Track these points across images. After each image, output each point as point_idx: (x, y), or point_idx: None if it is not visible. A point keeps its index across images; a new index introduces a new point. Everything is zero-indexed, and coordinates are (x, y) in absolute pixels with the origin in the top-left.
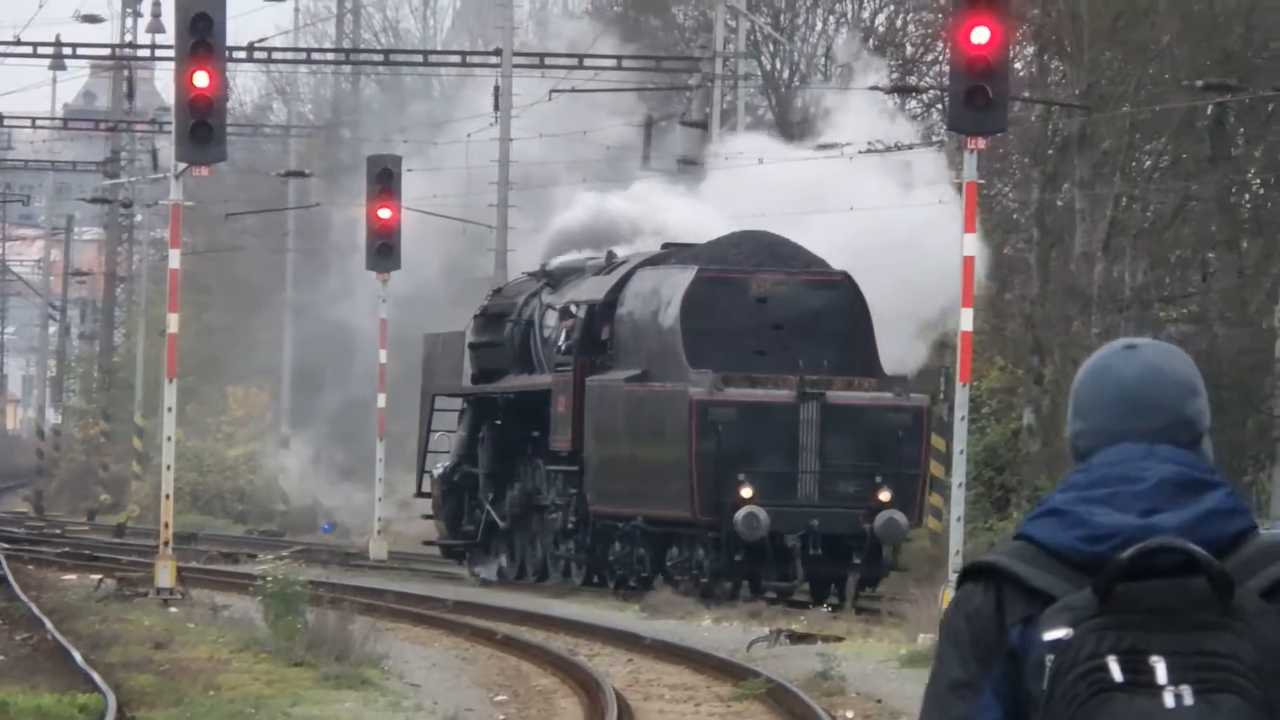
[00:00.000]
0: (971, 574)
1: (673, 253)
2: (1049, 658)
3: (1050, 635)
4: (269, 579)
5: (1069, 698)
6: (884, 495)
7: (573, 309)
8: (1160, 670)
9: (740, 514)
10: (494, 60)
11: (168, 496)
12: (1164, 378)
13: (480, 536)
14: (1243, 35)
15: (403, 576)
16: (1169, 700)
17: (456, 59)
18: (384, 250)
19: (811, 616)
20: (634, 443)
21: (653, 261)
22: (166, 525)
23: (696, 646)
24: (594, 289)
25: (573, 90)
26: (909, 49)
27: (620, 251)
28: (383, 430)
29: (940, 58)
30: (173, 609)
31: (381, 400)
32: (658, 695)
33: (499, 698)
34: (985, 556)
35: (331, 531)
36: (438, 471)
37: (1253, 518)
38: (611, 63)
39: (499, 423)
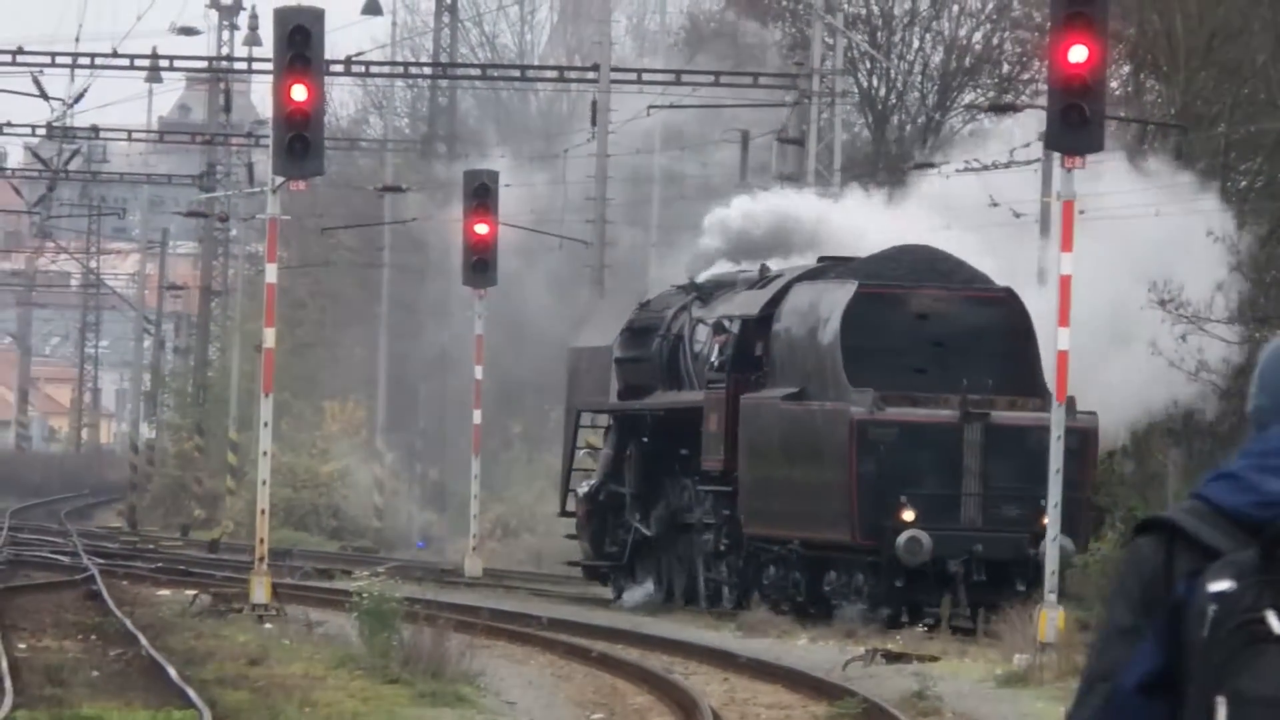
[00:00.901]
0: (1146, 527)
1: (830, 267)
2: (1211, 607)
3: (1215, 587)
4: (363, 595)
5: (1226, 646)
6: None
7: (725, 324)
8: None
9: (902, 538)
10: (591, 75)
11: (263, 512)
12: None
13: (626, 558)
14: None
15: (497, 594)
16: None
17: (554, 73)
18: (480, 266)
19: (907, 636)
20: (790, 463)
21: (809, 276)
22: (262, 541)
23: (792, 665)
24: (748, 304)
25: (671, 106)
26: (1006, 67)
27: (773, 265)
28: (478, 447)
29: (1038, 76)
30: (267, 625)
31: (477, 417)
32: (753, 714)
33: (595, 716)
34: (1160, 513)
35: (425, 548)
36: (583, 490)
37: None
38: (708, 79)
39: (646, 440)
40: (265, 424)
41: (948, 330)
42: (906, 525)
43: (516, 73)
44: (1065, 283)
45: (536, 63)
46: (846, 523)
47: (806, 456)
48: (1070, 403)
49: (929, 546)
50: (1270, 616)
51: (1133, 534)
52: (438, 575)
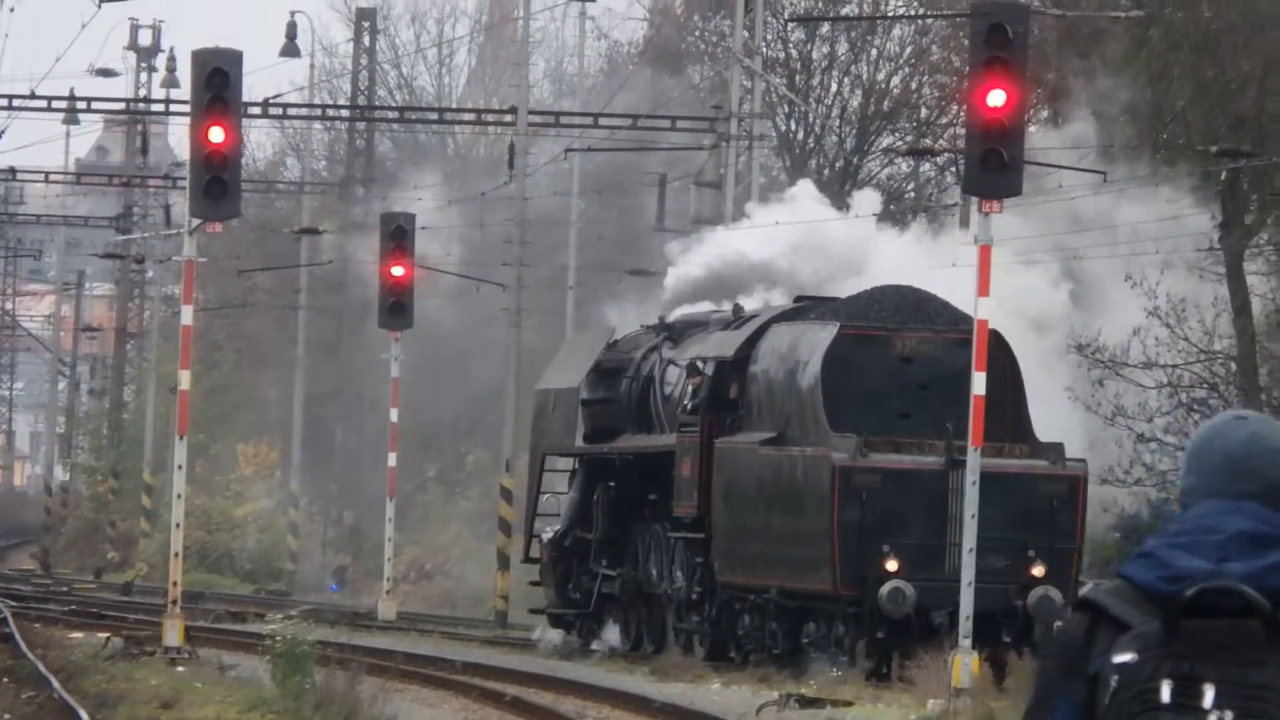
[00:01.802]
0: (1077, 605)
1: (809, 307)
2: (1114, 677)
3: (1119, 659)
4: (277, 638)
5: (1123, 714)
6: (1037, 570)
7: (699, 365)
8: (1209, 696)
9: (885, 588)
10: (509, 118)
11: (176, 554)
12: (1265, 448)
13: (593, 605)
14: (1256, 100)
15: (411, 637)
16: None
17: (471, 116)
18: (397, 308)
19: (821, 680)
20: (768, 510)
21: (787, 316)
22: (175, 584)
23: (707, 710)
24: (722, 345)
25: (588, 149)
26: (924, 111)
27: (747, 304)
28: (393, 490)
29: (956, 120)
30: (180, 668)
31: (392, 459)
32: None
33: None
34: (1088, 590)
35: (340, 591)
36: (547, 535)
37: None
38: (626, 122)
39: (614, 485)
40: (180, 466)
41: (932, 374)
42: (890, 575)
43: (434, 115)
44: (982, 326)
45: (454, 105)
46: (827, 572)
47: (786, 503)
48: (1058, 450)
49: (913, 597)
50: (1164, 686)
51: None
52: (351, 618)
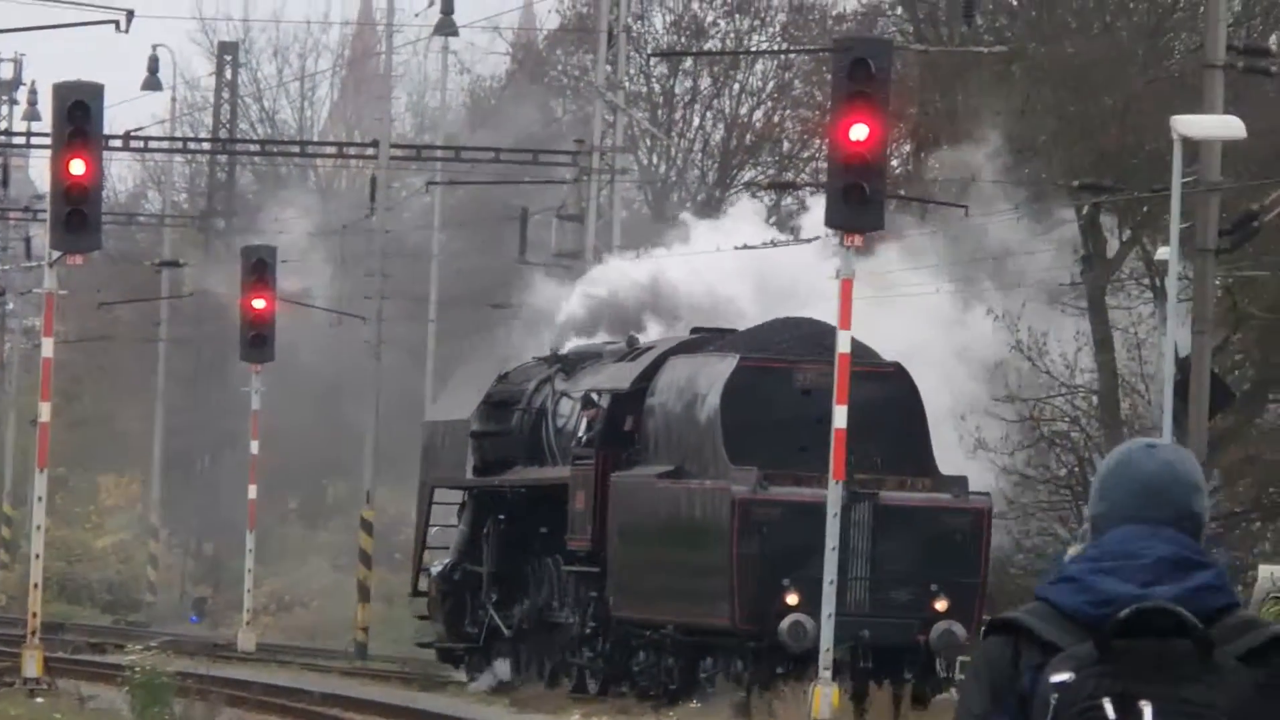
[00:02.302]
0: (996, 627)
1: (707, 339)
2: (1053, 696)
3: (1056, 678)
4: (136, 669)
5: None
6: (940, 604)
7: (594, 398)
8: (1147, 712)
9: (785, 623)
10: (371, 152)
11: (36, 586)
12: (1177, 476)
13: (482, 640)
14: (1119, 136)
15: (271, 668)
16: None
17: (333, 150)
18: (258, 341)
19: (681, 712)
20: (665, 544)
21: (685, 348)
22: (34, 615)
23: None
24: (618, 377)
25: (450, 183)
26: (787, 145)
27: (642, 336)
28: (254, 522)
29: (818, 154)
30: (39, 699)
31: (253, 491)
32: None
33: None
34: (1007, 613)
35: (200, 622)
36: (436, 569)
37: (1236, 596)
38: (489, 155)
39: (504, 518)
40: (40, 498)
41: (832, 406)
42: (790, 609)
43: (296, 149)
44: (844, 361)
45: (316, 139)
46: (727, 606)
47: (684, 537)
48: (962, 484)
49: (814, 632)
50: (1106, 703)
51: (984, 633)
52: (211, 649)
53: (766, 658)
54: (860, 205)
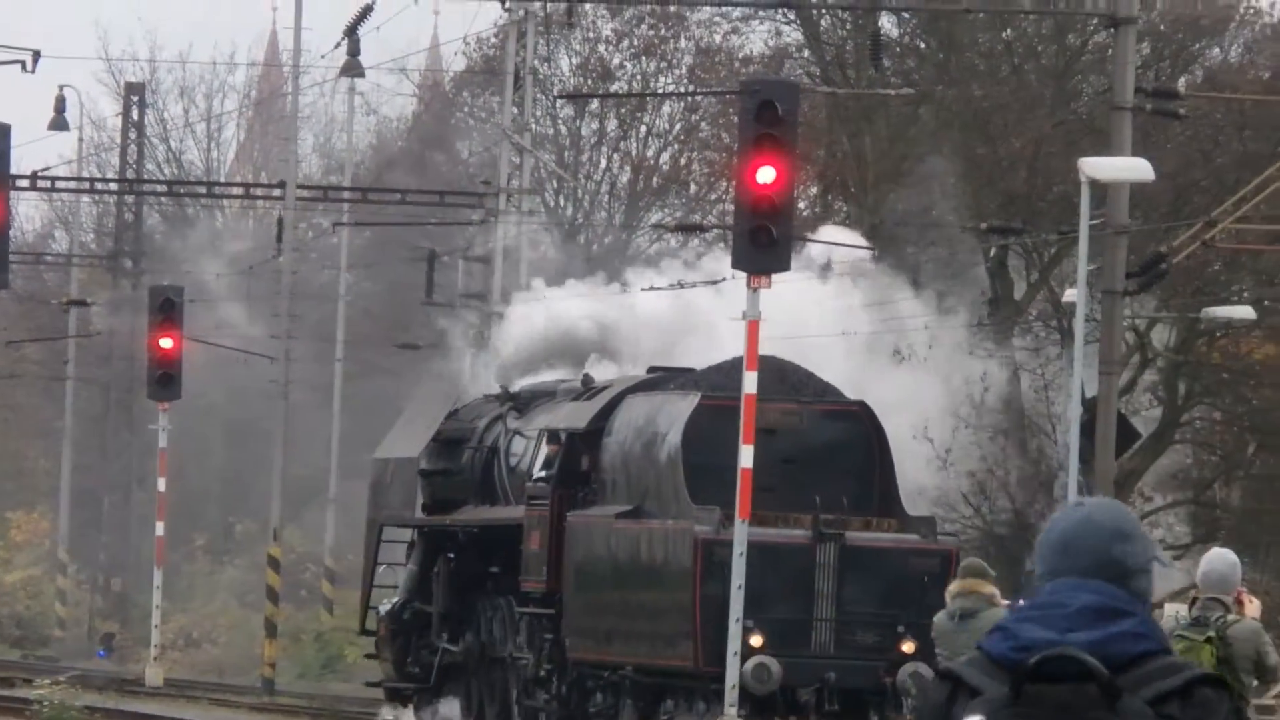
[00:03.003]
0: (939, 674)
1: (666, 378)
2: None
3: None
4: (44, 703)
5: None
6: (907, 646)
7: (549, 437)
8: None
9: (749, 665)
10: (277, 193)
11: None
12: (1093, 527)
13: (433, 680)
14: (1026, 179)
15: (179, 703)
16: None
17: (240, 190)
18: (165, 380)
19: None
20: (624, 585)
21: (644, 387)
22: None
23: None
24: (574, 416)
25: (357, 224)
26: (693, 187)
27: (597, 374)
28: (161, 558)
29: (725, 196)
30: None
31: (160, 529)
32: None
33: None
34: (950, 663)
35: (107, 657)
36: (385, 608)
37: (1163, 642)
38: (395, 197)
39: (455, 557)
40: None
41: (798, 447)
42: (754, 651)
43: (203, 189)
44: (750, 401)
45: (223, 179)
46: (688, 648)
47: (644, 577)
48: (930, 524)
49: (778, 674)
50: None
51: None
52: (119, 684)
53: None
54: (767, 247)
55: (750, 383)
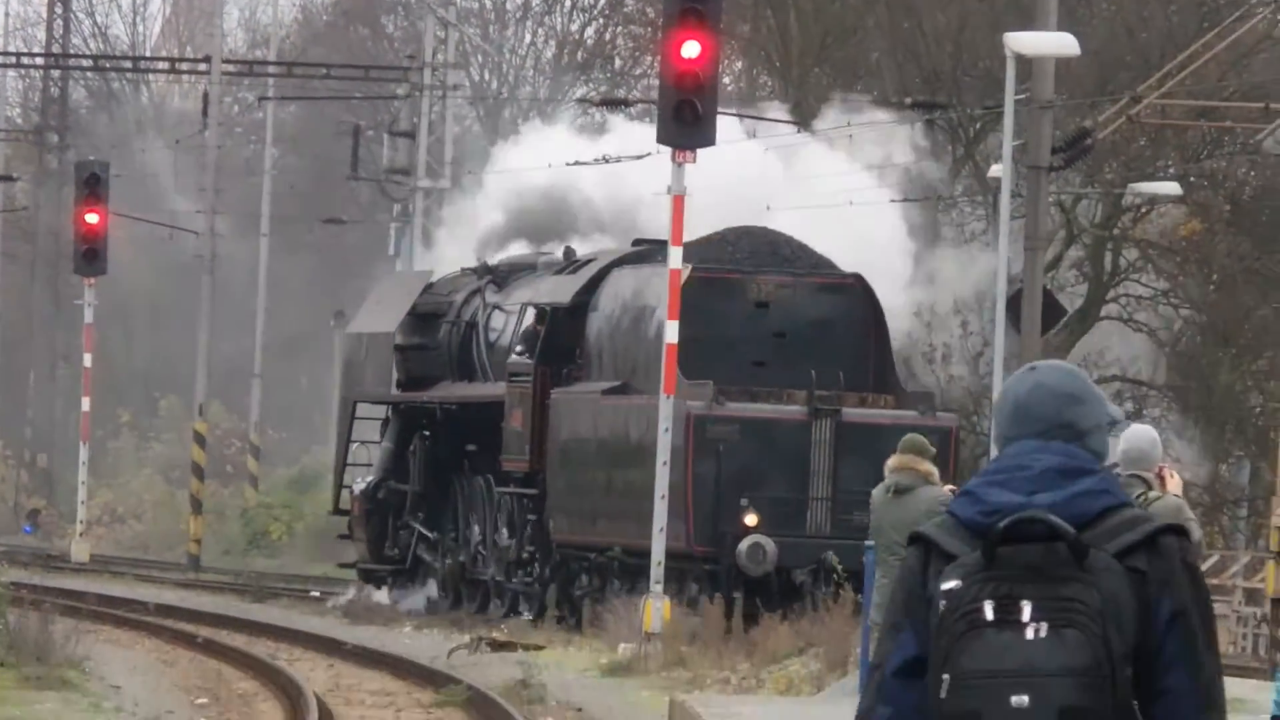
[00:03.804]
0: (911, 540)
1: (654, 250)
2: (942, 602)
3: (945, 585)
4: None
5: (950, 633)
6: None
7: (531, 311)
8: (1026, 610)
9: (744, 545)
10: (203, 68)
11: None
12: (1046, 392)
13: (409, 562)
14: (952, 54)
15: (104, 579)
16: (1029, 633)
17: (165, 65)
18: (90, 255)
19: (513, 625)
20: (612, 463)
21: (630, 260)
22: None
23: (398, 653)
24: (557, 290)
25: (282, 98)
26: (618, 62)
27: (579, 248)
28: (87, 434)
29: (650, 71)
30: None
31: (86, 404)
32: (359, 701)
33: (200, 701)
34: (922, 527)
35: (33, 533)
36: (359, 487)
37: (1123, 496)
38: (320, 71)
39: (429, 435)
40: None
41: (790, 320)
42: (749, 531)
43: (129, 64)
44: (675, 276)
45: (149, 54)
46: (679, 528)
47: (632, 456)
48: (929, 399)
49: (773, 555)
50: (986, 606)
51: (907, 545)
52: (44, 560)
53: (724, 581)
54: (692, 123)
55: (675, 258)
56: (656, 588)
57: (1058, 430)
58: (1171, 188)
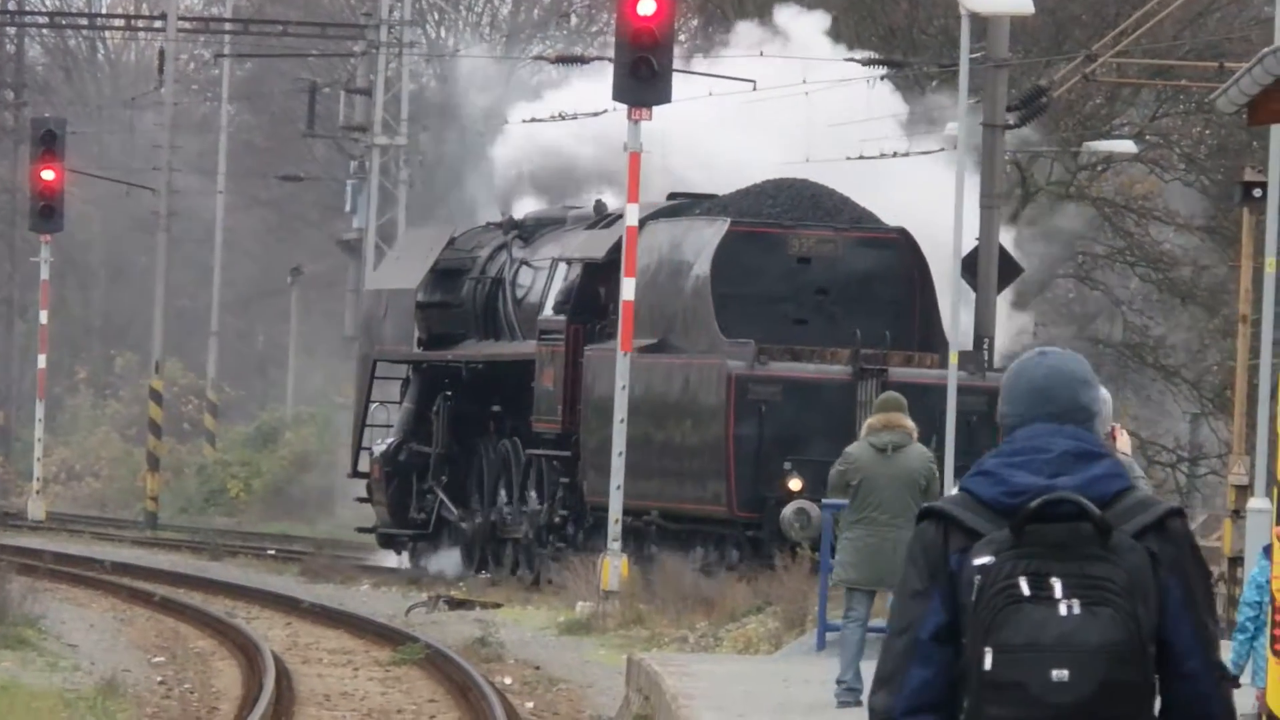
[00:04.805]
0: (928, 515)
1: (691, 203)
2: (976, 577)
3: (978, 561)
4: None
5: (990, 606)
6: (954, 488)
7: (564, 266)
8: (1057, 588)
9: (788, 510)
10: (159, 24)
11: None
12: (1063, 376)
13: (432, 526)
14: (907, 12)
15: (61, 537)
16: (1062, 610)
17: (121, 22)
18: (46, 212)
19: (471, 583)
20: (649, 424)
21: (666, 213)
22: None
23: (356, 611)
24: (590, 245)
25: (239, 55)
26: (575, 20)
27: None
28: (43, 391)
29: (606, 29)
30: None
31: (42, 361)
32: (316, 659)
33: (157, 659)
34: (935, 503)
35: None
36: (379, 449)
37: (1131, 480)
38: (277, 29)
39: (452, 395)
40: None
41: (833, 276)
42: (793, 495)
43: (85, 21)
44: (631, 234)
45: (105, 11)
46: (721, 492)
47: (670, 417)
48: (977, 358)
49: (819, 520)
50: (1022, 581)
51: (918, 519)
52: (1, 518)
53: (766, 547)
54: (648, 80)
55: (632, 215)
56: (614, 545)
57: (1074, 413)
58: (1127, 145)
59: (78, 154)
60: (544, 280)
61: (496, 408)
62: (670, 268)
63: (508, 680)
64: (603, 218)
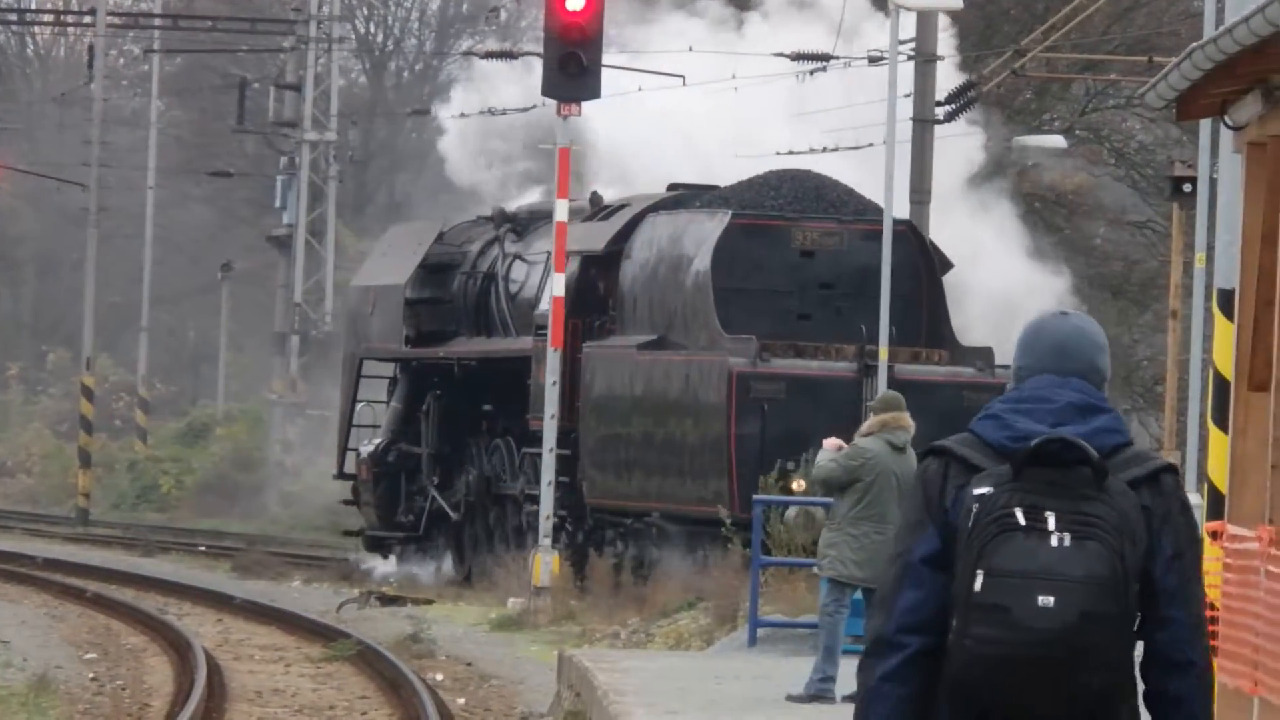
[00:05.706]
0: (932, 452)
1: (691, 195)
2: (974, 506)
3: (978, 491)
4: None
5: (984, 534)
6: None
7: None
8: (1051, 520)
9: (792, 511)
10: (89, 20)
11: None
12: (1085, 337)
13: (422, 529)
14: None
15: None
16: (1054, 541)
17: (51, 18)
18: None
19: (401, 580)
20: (649, 422)
21: (665, 205)
22: None
23: (287, 607)
24: (588, 237)
25: (168, 51)
26: (504, 15)
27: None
28: None
29: (535, 24)
30: None
31: None
32: (248, 655)
33: (89, 655)
34: (941, 441)
35: None
36: (366, 450)
37: (1129, 436)
38: (206, 24)
39: (441, 393)
40: None
41: (837, 270)
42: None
43: (14, 16)
44: (561, 229)
45: (34, 7)
46: (723, 491)
47: (670, 415)
48: (985, 355)
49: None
50: (1017, 511)
51: (921, 456)
52: None
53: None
54: (577, 75)
55: (561, 210)
56: (545, 541)
57: (1088, 373)
58: (1057, 140)
59: (8, 150)
60: (539, 275)
61: (489, 406)
62: (670, 261)
63: (439, 676)
64: (600, 209)
